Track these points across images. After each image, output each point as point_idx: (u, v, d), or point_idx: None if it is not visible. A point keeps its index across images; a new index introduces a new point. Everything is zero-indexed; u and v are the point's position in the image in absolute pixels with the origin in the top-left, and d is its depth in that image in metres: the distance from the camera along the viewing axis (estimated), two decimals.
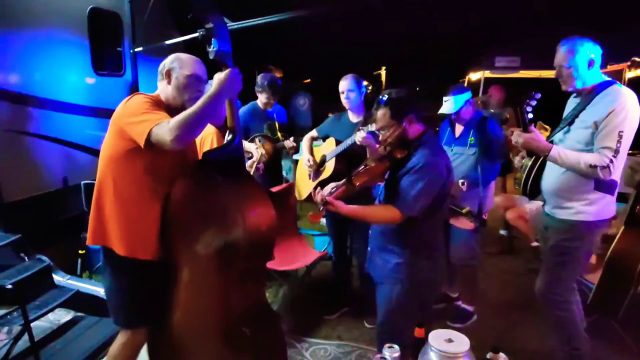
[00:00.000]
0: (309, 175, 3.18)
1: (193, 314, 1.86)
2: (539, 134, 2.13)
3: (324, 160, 3.08)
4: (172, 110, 1.80)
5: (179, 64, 1.85)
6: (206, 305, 1.83)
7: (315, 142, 3.25)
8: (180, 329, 1.89)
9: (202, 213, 1.79)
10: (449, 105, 2.94)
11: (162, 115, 1.70)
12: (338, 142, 2.96)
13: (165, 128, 1.59)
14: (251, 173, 2.81)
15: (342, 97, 2.95)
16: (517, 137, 2.15)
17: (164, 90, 1.88)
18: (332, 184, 2.00)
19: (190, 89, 1.85)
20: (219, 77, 1.68)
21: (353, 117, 3.01)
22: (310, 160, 3.10)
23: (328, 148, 3.05)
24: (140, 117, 1.67)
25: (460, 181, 2.82)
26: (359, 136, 2.57)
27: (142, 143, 1.63)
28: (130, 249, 1.81)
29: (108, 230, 1.83)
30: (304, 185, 3.27)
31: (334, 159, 2.94)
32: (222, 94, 1.67)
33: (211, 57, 1.67)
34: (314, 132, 3.22)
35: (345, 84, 2.93)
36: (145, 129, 1.62)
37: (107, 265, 1.89)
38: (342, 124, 3.04)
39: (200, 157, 1.86)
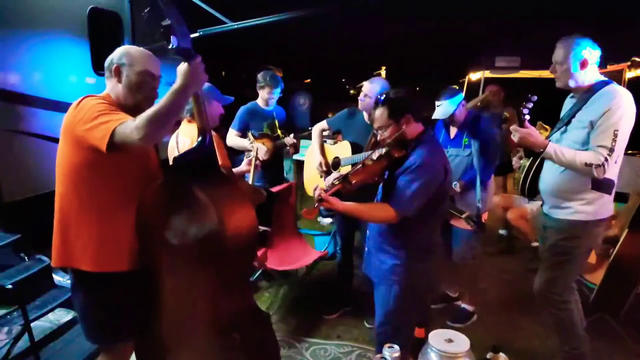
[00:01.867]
0: (320, 174, 3.13)
1: (179, 322, 1.81)
2: (535, 130, 2.14)
3: (337, 163, 3.02)
4: (126, 110, 1.66)
5: (128, 59, 1.71)
6: (192, 312, 1.78)
7: (326, 140, 3.18)
8: (168, 338, 1.84)
9: (176, 218, 1.72)
10: (442, 110, 2.91)
11: (121, 115, 1.58)
12: (354, 145, 2.90)
13: (131, 126, 1.48)
14: (251, 171, 2.80)
15: (360, 96, 2.92)
16: (513, 132, 2.17)
17: (114, 88, 1.73)
18: (333, 176, 1.98)
19: (144, 87, 1.71)
20: (182, 69, 1.57)
21: (368, 119, 2.94)
22: (323, 165, 3.03)
23: (342, 151, 2.98)
24: (97, 120, 1.54)
25: (454, 183, 2.83)
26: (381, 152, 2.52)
27: (103, 147, 1.50)
28: (103, 263, 1.70)
29: (76, 249, 1.71)
30: (314, 182, 3.17)
31: (349, 166, 2.88)
32: (187, 87, 1.56)
33: (171, 55, 1.59)
34: (324, 124, 3.14)
35: (367, 87, 2.88)
36: (106, 131, 1.50)
37: (78, 284, 1.77)
38: (356, 123, 3.00)
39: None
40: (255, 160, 2.81)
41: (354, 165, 2.79)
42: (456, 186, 2.86)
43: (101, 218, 1.70)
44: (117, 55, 1.74)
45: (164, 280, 1.79)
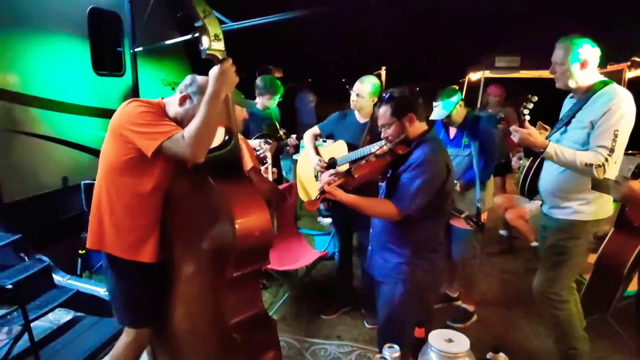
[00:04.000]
0: (316, 176, 3.11)
1: (189, 317, 1.87)
2: (534, 130, 2.13)
3: (333, 163, 3.00)
4: (171, 120, 1.80)
5: (199, 99, 1.75)
6: (200, 309, 1.83)
7: (317, 142, 3.18)
8: (178, 332, 1.90)
9: (194, 216, 1.78)
10: (439, 110, 2.91)
11: (169, 127, 1.69)
12: (349, 145, 2.90)
13: (182, 144, 1.61)
14: (269, 177, 2.81)
15: (352, 96, 2.91)
16: (513, 132, 2.16)
17: (173, 104, 1.83)
18: (332, 171, 1.99)
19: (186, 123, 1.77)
20: (213, 73, 1.63)
21: (360, 118, 2.94)
22: (321, 162, 3.01)
23: (338, 151, 2.97)
24: (146, 128, 1.67)
25: (454, 182, 2.82)
26: (379, 146, 2.51)
27: (149, 154, 1.65)
28: (131, 253, 1.81)
29: (108, 235, 1.82)
30: (310, 186, 3.19)
31: (347, 164, 2.87)
32: (220, 90, 1.63)
33: (203, 56, 1.63)
34: (316, 130, 3.14)
35: (357, 87, 2.88)
36: (154, 142, 1.64)
37: (109, 267, 1.89)
38: (349, 124, 2.99)
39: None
40: (273, 167, 2.83)
41: (355, 161, 2.80)
42: (456, 186, 2.86)
43: (132, 211, 1.80)
44: (195, 86, 1.79)
45: (178, 275, 1.85)
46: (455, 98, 2.89)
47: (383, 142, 2.26)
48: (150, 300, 1.90)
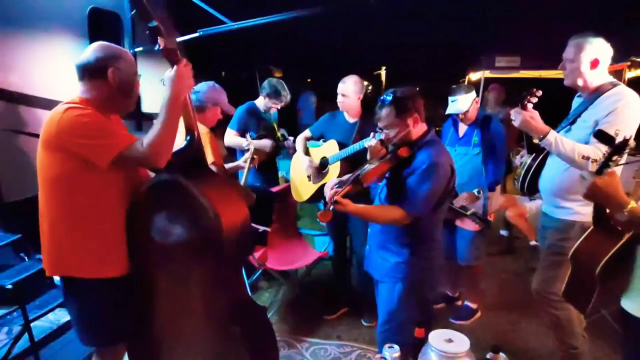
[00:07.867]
0: (309, 177, 3.14)
1: (176, 319, 1.84)
2: (537, 115, 2.08)
3: (325, 163, 3.03)
4: (107, 109, 1.69)
5: (123, 64, 1.67)
6: (189, 308, 1.81)
7: (310, 143, 3.21)
8: (164, 336, 1.87)
9: (170, 216, 1.74)
10: (457, 105, 2.89)
11: (122, 136, 1.60)
12: (340, 144, 2.92)
13: (142, 152, 1.56)
14: (245, 168, 2.84)
15: (338, 97, 2.95)
16: (515, 114, 2.10)
17: (98, 89, 1.67)
18: (335, 180, 1.99)
19: (136, 89, 1.68)
20: (169, 76, 1.59)
21: (349, 118, 2.99)
22: (311, 163, 3.06)
23: (329, 150, 3.00)
24: (98, 140, 1.56)
25: (476, 190, 2.79)
26: (371, 142, 2.53)
27: (103, 165, 1.56)
28: (96, 270, 1.70)
29: (69, 258, 1.69)
30: (304, 187, 3.22)
31: (338, 162, 2.90)
32: (178, 94, 1.60)
33: (158, 50, 1.61)
34: (307, 132, 3.19)
35: (341, 87, 2.92)
36: (109, 154, 1.55)
37: (72, 291, 1.76)
38: (338, 124, 3.02)
39: None
40: (251, 162, 2.84)
41: (346, 158, 2.83)
42: (480, 193, 2.81)
43: (89, 226, 1.68)
44: (103, 54, 1.66)
45: (157, 280, 1.81)
46: (472, 94, 2.89)
47: (371, 137, 2.28)
48: (121, 316, 1.79)
